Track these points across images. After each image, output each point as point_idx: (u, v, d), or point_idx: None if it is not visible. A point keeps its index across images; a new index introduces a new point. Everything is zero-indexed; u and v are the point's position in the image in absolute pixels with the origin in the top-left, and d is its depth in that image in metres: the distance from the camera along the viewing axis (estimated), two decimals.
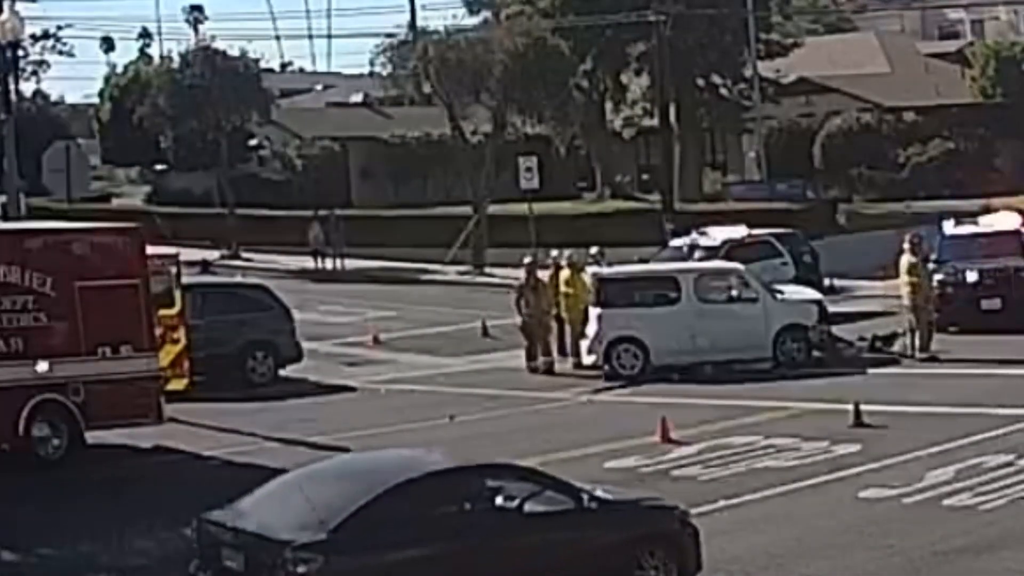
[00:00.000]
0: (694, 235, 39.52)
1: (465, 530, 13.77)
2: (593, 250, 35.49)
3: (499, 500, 14.11)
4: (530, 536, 14.13)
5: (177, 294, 25.99)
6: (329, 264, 54.28)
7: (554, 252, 33.73)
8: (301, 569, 12.97)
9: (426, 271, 52.15)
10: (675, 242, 40.49)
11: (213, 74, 58.13)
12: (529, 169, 50.06)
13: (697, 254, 37.34)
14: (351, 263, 53.78)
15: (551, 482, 14.68)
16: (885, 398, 24.97)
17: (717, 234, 38.97)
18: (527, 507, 14.11)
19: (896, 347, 31.08)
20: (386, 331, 37.95)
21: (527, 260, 32.07)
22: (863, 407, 23.39)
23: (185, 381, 25.91)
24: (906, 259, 30.82)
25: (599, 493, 14.87)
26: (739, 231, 39.05)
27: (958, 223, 36.43)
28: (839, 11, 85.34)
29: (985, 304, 33.38)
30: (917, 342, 30.50)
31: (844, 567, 15.88)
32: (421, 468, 14.28)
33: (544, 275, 31.98)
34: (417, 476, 13.98)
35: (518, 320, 31.25)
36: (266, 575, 13.16)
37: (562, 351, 31.79)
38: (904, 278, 30.77)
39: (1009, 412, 23.15)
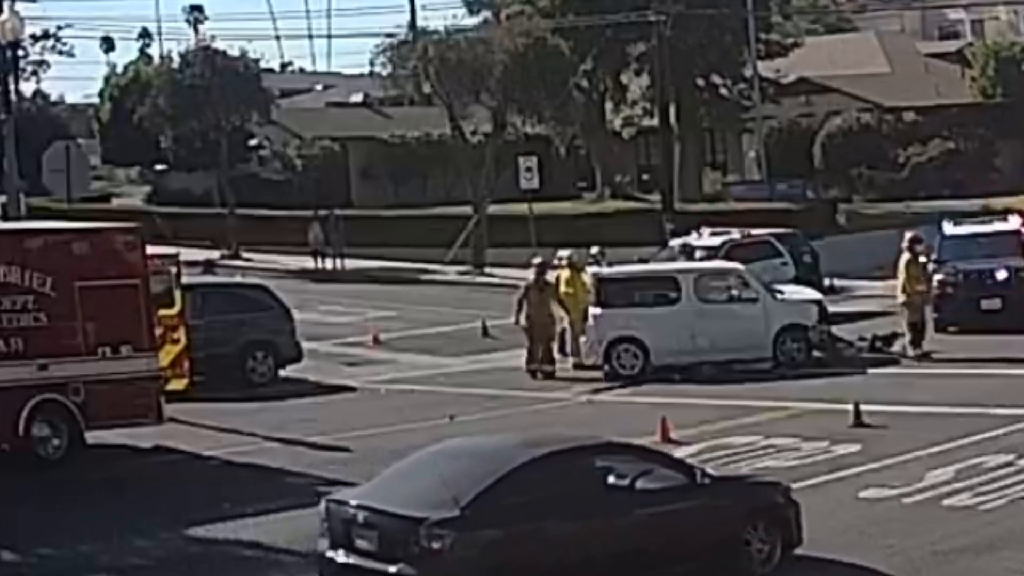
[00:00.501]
0: (693, 235, 39.56)
1: (584, 507, 14.34)
2: (593, 250, 35.51)
3: (615, 478, 14.74)
4: (644, 512, 14.69)
5: (177, 294, 25.98)
6: (329, 264, 54.28)
7: (563, 253, 33.65)
8: (436, 545, 13.54)
9: (426, 271, 52.13)
10: (673, 242, 40.46)
11: (213, 74, 58.11)
12: (529, 169, 50.09)
13: (698, 254, 37.29)
14: (351, 263, 53.78)
15: (666, 460, 15.64)
16: (885, 398, 24.97)
17: (705, 237, 39.00)
18: (642, 484, 14.76)
19: (896, 347, 31.09)
20: (386, 331, 37.95)
21: (536, 260, 31.96)
22: (863, 407, 23.39)
23: (185, 381, 25.91)
24: (903, 258, 30.89)
25: (709, 470, 15.75)
26: (719, 236, 38.87)
27: (957, 224, 36.42)
28: (839, 11, 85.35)
29: (985, 304, 33.37)
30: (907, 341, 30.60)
31: (844, 567, 15.88)
32: (542, 448, 14.95)
33: (552, 277, 31.82)
34: (539, 455, 14.62)
35: (523, 321, 30.95)
36: (400, 552, 13.70)
37: (562, 350, 31.75)
38: (899, 277, 30.90)
39: (1009, 412, 23.14)
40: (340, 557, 14.30)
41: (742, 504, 15.43)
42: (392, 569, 13.74)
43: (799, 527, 15.67)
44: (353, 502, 14.41)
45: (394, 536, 13.81)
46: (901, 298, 30.86)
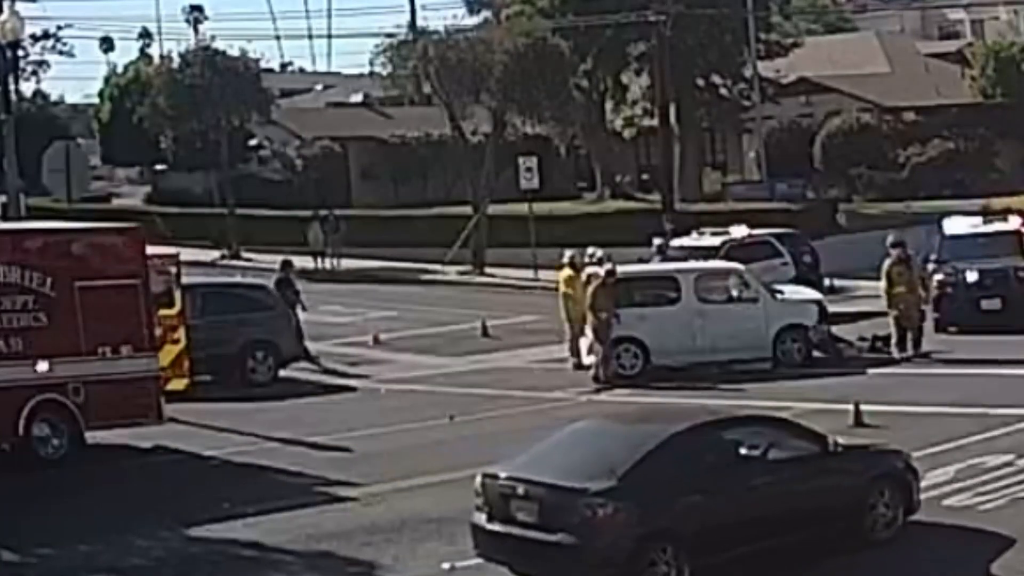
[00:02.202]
0: (693, 235, 39.54)
1: (727, 476, 15.30)
2: (592, 250, 35.41)
3: (754, 448, 15.58)
4: (782, 479, 15.68)
5: (177, 294, 26.01)
6: (329, 264, 54.29)
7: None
8: (596, 513, 14.45)
9: (426, 271, 52.13)
10: (656, 240, 40.05)
11: (213, 74, 58.10)
12: (529, 169, 50.06)
13: (670, 254, 37.18)
14: (351, 263, 53.76)
15: (800, 431, 16.55)
16: (885, 398, 24.95)
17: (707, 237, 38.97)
18: (779, 454, 15.73)
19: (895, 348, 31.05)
20: (386, 331, 37.95)
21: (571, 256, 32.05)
22: (863, 407, 23.37)
23: (185, 381, 25.94)
24: (886, 261, 30.91)
25: (840, 439, 16.68)
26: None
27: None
28: (839, 11, 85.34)
29: (985, 304, 33.35)
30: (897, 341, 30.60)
31: (844, 567, 15.88)
32: (687, 421, 16.04)
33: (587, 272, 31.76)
34: (685, 428, 15.63)
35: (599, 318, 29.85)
36: (561, 521, 14.56)
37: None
38: (882, 280, 30.93)
39: (1009, 412, 23.12)
40: (499, 528, 15.12)
41: (871, 470, 16.50)
42: (553, 538, 14.55)
43: (918, 493, 16.76)
44: (510, 476, 15.17)
45: (554, 506, 14.65)
46: (884, 299, 30.90)
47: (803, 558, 15.68)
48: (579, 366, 30.92)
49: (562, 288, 31.73)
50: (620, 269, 31.15)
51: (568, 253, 32.76)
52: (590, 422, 16.84)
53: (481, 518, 15.41)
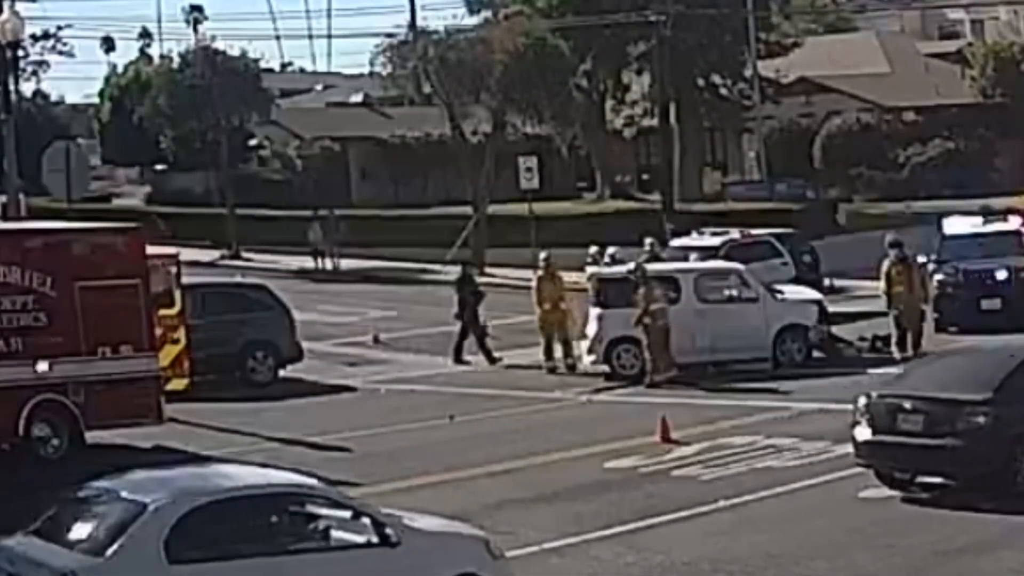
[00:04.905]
0: (693, 235, 39.47)
1: None
2: (592, 249, 35.45)
3: None
4: None
5: (177, 294, 25.99)
6: (329, 264, 54.29)
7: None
8: (978, 420, 17.53)
9: (426, 271, 52.10)
10: (647, 240, 39.84)
11: (213, 74, 58.14)
12: (529, 169, 50.04)
13: (665, 254, 37.05)
14: (351, 263, 53.75)
15: None
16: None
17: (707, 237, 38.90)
18: None
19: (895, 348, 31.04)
20: (386, 331, 37.93)
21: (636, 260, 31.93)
22: None
23: (185, 381, 25.92)
24: (886, 262, 30.91)
25: None
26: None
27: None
28: (839, 11, 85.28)
29: (985, 304, 33.33)
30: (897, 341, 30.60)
31: (844, 567, 15.88)
32: None
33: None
34: None
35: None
36: (945, 429, 17.66)
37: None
38: (881, 279, 30.94)
39: None
40: (885, 439, 18.16)
41: None
42: (939, 442, 17.65)
43: None
44: (896, 394, 18.48)
45: (939, 417, 17.78)
46: (884, 299, 30.90)
47: None
48: (552, 370, 30.76)
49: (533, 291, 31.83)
50: (619, 269, 31.17)
51: (542, 255, 32.75)
52: (955, 353, 20.45)
53: (865, 433, 18.43)
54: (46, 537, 13.01)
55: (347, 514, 13.36)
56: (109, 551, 12.35)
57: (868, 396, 18.73)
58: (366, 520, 13.34)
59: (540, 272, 32.12)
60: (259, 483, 13.61)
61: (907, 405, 18.13)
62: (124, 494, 12.99)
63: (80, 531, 12.82)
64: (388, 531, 13.31)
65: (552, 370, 30.32)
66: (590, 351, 30.32)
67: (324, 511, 13.31)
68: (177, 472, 14.27)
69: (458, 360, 33.00)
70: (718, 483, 19.88)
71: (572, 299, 31.90)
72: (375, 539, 13.21)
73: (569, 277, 32.95)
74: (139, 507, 12.61)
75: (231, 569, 12.56)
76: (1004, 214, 37.65)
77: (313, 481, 14.12)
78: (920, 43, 79.58)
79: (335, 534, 13.19)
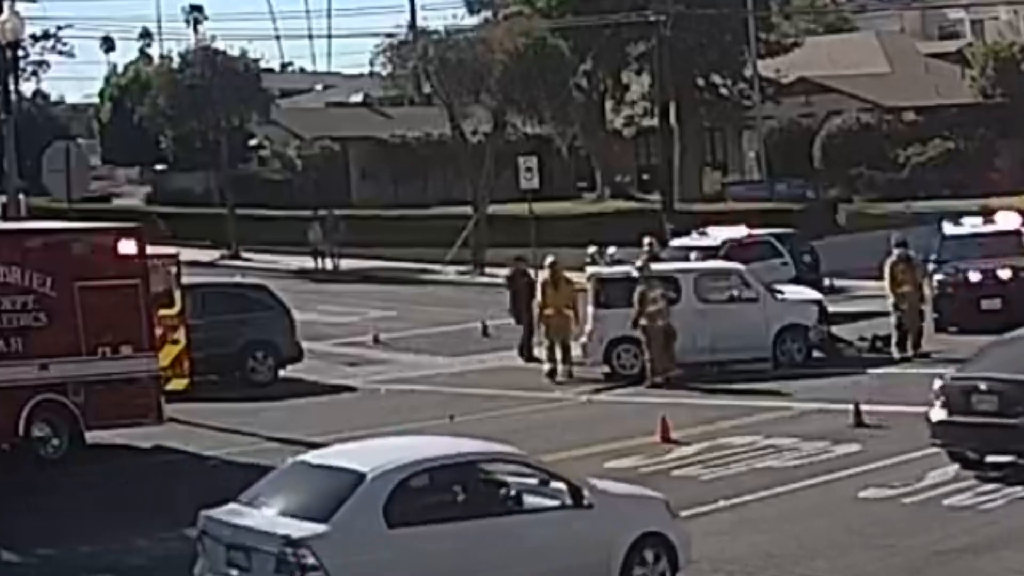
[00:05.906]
0: (694, 235, 39.43)
1: None
2: (591, 249, 35.42)
3: None
4: None
5: (177, 294, 26.00)
6: (329, 264, 54.31)
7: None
8: None
9: (426, 271, 52.12)
10: (645, 240, 39.74)
11: (213, 74, 58.10)
12: (529, 169, 50.00)
13: (664, 254, 36.97)
14: (351, 263, 53.76)
15: None
16: (885, 398, 24.95)
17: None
18: None
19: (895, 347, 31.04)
20: (386, 331, 37.93)
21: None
22: (863, 407, 23.39)
23: (185, 381, 25.93)
24: (888, 260, 30.92)
25: None
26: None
27: (957, 223, 36.32)
28: (839, 11, 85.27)
29: (985, 304, 33.29)
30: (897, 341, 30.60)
31: (844, 567, 15.88)
32: None
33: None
34: None
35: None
36: (1019, 409, 18.32)
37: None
38: (885, 278, 30.95)
39: None
40: (959, 419, 18.85)
41: None
42: (1014, 421, 18.39)
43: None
44: (972, 375, 19.16)
45: (1013, 397, 18.50)
46: (890, 299, 30.89)
47: None
48: (552, 374, 30.69)
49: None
50: (619, 269, 31.14)
51: (548, 260, 32.56)
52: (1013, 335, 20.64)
53: (940, 413, 19.12)
54: (258, 508, 13.66)
55: (543, 478, 14.34)
56: (335, 517, 13.04)
57: (943, 377, 19.53)
58: (561, 484, 14.26)
59: (545, 277, 31.68)
60: (464, 451, 14.35)
61: (982, 386, 18.82)
62: (339, 463, 13.76)
63: (295, 501, 13.50)
64: (584, 493, 14.21)
65: (551, 374, 30.26)
66: (584, 352, 30.24)
67: (521, 476, 14.26)
68: (380, 443, 15.34)
69: (529, 358, 32.34)
70: (718, 483, 19.87)
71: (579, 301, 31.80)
72: (569, 501, 14.13)
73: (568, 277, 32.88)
74: (357, 476, 13.35)
75: (443, 532, 13.42)
76: (986, 215, 37.41)
77: (511, 448, 15.09)
78: (920, 43, 79.58)
79: (532, 498, 14.12)
